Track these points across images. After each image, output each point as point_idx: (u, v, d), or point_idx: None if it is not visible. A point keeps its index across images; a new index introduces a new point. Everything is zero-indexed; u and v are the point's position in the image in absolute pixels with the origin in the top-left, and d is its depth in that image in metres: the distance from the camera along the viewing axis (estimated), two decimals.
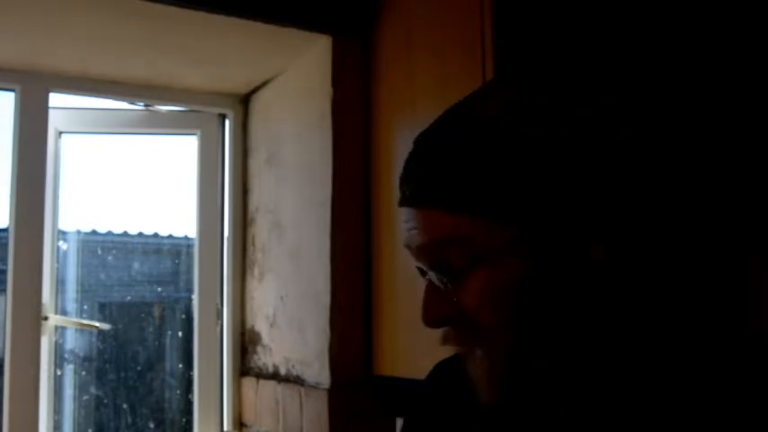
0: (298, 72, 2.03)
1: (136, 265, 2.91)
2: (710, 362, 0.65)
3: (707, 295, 0.70)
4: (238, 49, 1.94)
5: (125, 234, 2.91)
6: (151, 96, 2.20)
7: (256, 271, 2.18)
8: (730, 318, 0.69)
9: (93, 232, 2.68)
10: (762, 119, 1.26)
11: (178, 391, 2.58)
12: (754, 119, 1.27)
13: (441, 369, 0.83)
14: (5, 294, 1.95)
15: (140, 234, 2.96)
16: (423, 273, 0.67)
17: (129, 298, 2.79)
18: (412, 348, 1.65)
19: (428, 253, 0.64)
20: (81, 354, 2.47)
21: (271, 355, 2.07)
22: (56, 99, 2.08)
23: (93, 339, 2.52)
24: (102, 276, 2.70)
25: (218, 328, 2.23)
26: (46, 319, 2.03)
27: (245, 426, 2.16)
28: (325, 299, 1.80)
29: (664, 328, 0.66)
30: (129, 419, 2.59)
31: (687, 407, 0.62)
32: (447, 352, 0.84)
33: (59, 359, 2.23)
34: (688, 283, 0.68)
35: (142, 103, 2.24)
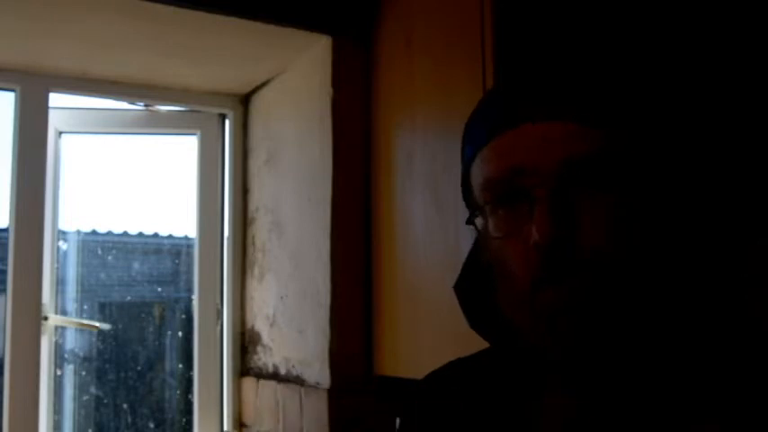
0: (298, 72, 2.03)
1: (136, 265, 2.91)
2: (711, 347, 0.66)
3: (708, 281, 0.71)
4: (238, 49, 1.94)
5: (125, 234, 2.91)
6: (151, 96, 2.20)
7: (256, 271, 2.18)
8: (730, 303, 0.70)
9: (93, 232, 2.68)
10: (762, 111, 1.26)
11: (178, 391, 2.58)
12: (754, 110, 1.27)
13: (436, 372, 0.83)
14: (5, 294, 1.95)
15: (140, 234, 2.96)
16: (508, 201, 0.66)
17: (129, 298, 2.79)
18: (412, 348, 1.66)
19: (564, 168, 0.62)
20: (81, 354, 2.47)
21: (271, 355, 2.07)
22: (56, 99, 2.08)
23: (93, 339, 2.52)
24: (102, 276, 2.70)
25: (218, 328, 2.23)
26: (46, 319, 2.03)
27: (245, 426, 2.16)
28: (326, 299, 1.80)
29: (666, 314, 0.67)
30: (129, 419, 2.59)
31: (689, 391, 0.63)
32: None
33: (59, 359, 2.23)
34: (690, 270, 0.69)
35: (142, 103, 2.24)
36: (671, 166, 0.68)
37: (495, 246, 0.68)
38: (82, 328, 2.37)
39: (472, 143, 0.71)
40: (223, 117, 2.31)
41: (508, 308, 0.68)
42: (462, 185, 0.75)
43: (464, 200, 0.75)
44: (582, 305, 0.62)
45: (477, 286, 0.77)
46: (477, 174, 0.69)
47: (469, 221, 0.72)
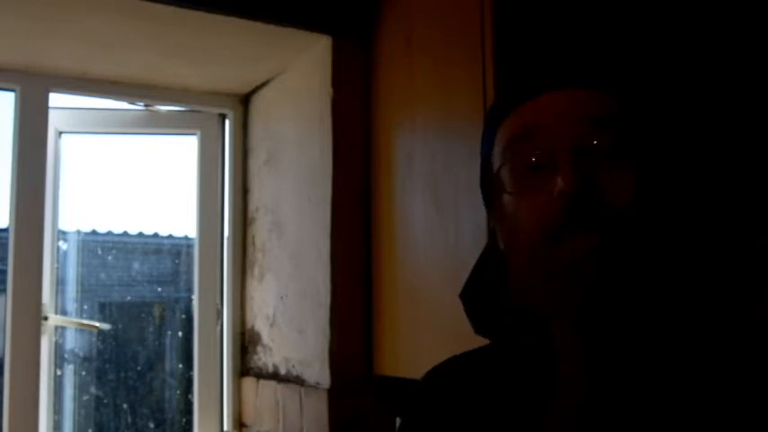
0: (298, 72, 2.03)
1: (136, 265, 2.91)
2: (712, 347, 0.66)
3: (709, 280, 0.71)
4: (238, 49, 1.94)
5: (125, 234, 2.91)
6: (151, 96, 2.20)
7: (256, 271, 2.18)
8: (731, 303, 0.70)
9: (93, 232, 2.68)
10: (762, 110, 1.26)
11: (178, 391, 2.58)
12: (754, 109, 1.27)
13: (436, 370, 0.83)
14: (5, 294, 1.95)
15: (140, 234, 2.96)
16: (533, 166, 0.67)
17: (129, 298, 2.79)
18: (412, 348, 1.66)
19: (583, 123, 0.65)
20: (81, 354, 2.47)
21: (271, 355, 2.07)
22: (56, 99, 2.08)
23: (93, 339, 2.52)
24: (102, 276, 2.70)
25: (218, 328, 2.23)
26: (46, 319, 2.03)
27: (245, 426, 2.16)
28: (326, 299, 1.80)
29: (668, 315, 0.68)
30: (129, 419, 2.59)
31: (691, 391, 0.63)
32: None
33: (59, 359, 2.23)
34: (692, 269, 0.70)
35: (142, 103, 2.24)
36: (678, 153, 0.71)
37: (510, 202, 0.69)
38: (82, 328, 2.37)
39: (491, 127, 0.73)
40: (223, 117, 2.31)
41: (521, 269, 0.68)
42: (482, 174, 0.76)
43: (481, 190, 0.76)
44: (604, 253, 0.62)
45: (487, 283, 0.78)
46: (498, 145, 0.71)
47: (487, 204, 0.73)
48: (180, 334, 2.62)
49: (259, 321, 2.14)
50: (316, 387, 1.81)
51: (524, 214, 0.67)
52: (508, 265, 0.70)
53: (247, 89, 2.26)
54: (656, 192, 0.66)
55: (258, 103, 2.25)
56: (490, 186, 0.73)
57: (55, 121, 2.09)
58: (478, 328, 0.79)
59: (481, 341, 0.81)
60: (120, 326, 2.66)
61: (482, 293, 0.78)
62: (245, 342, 2.22)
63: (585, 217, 0.62)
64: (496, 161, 0.71)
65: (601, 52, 0.73)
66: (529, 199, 0.66)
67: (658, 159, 0.67)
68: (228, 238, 2.26)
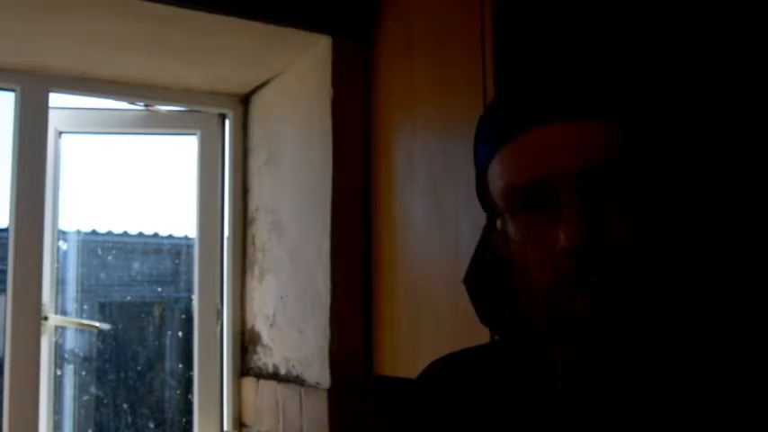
0: (298, 72, 2.03)
1: (136, 265, 2.91)
2: (713, 348, 0.66)
3: (708, 280, 0.71)
4: (238, 49, 1.94)
5: (125, 234, 2.92)
6: (151, 96, 2.20)
7: (256, 271, 2.18)
8: (730, 303, 0.70)
9: (93, 232, 2.68)
10: (762, 110, 1.26)
11: (178, 391, 2.58)
12: (754, 110, 1.27)
13: (434, 368, 0.83)
14: (5, 294, 1.95)
15: (140, 234, 2.96)
16: (527, 206, 0.65)
17: (129, 298, 2.79)
18: (412, 348, 1.66)
19: (587, 172, 0.62)
20: (81, 354, 2.47)
21: (271, 355, 2.07)
22: (56, 99, 2.08)
23: (93, 339, 2.52)
24: (102, 276, 2.70)
25: (218, 328, 2.23)
26: (46, 319, 2.03)
27: (245, 426, 2.16)
28: (326, 299, 1.80)
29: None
30: (129, 419, 2.59)
31: (694, 395, 0.63)
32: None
33: (59, 359, 2.23)
34: (693, 269, 0.70)
35: (142, 103, 2.24)
36: (679, 163, 0.69)
37: (516, 249, 0.68)
38: (82, 328, 2.37)
39: (487, 144, 0.71)
40: (223, 117, 2.31)
41: (529, 310, 0.68)
42: (477, 186, 0.75)
43: (479, 200, 0.75)
44: (610, 309, 0.62)
45: (486, 280, 0.77)
46: (496, 177, 0.69)
47: (490, 224, 0.72)
48: (180, 334, 2.62)
49: (259, 321, 2.14)
50: (316, 387, 1.81)
51: (530, 263, 0.66)
52: (516, 293, 0.70)
53: (247, 89, 2.26)
54: (665, 215, 0.65)
55: (258, 103, 2.25)
56: (489, 202, 0.72)
57: (55, 121, 2.09)
58: (483, 317, 0.79)
59: (480, 338, 0.81)
60: (120, 326, 2.66)
61: (484, 287, 0.78)
62: (245, 342, 2.22)
63: (591, 271, 0.61)
64: (499, 200, 0.69)
65: (606, 72, 0.68)
66: (533, 249, 0.65)
67: (666, 183, 0.66)
68: (228, 238, 2.26)
